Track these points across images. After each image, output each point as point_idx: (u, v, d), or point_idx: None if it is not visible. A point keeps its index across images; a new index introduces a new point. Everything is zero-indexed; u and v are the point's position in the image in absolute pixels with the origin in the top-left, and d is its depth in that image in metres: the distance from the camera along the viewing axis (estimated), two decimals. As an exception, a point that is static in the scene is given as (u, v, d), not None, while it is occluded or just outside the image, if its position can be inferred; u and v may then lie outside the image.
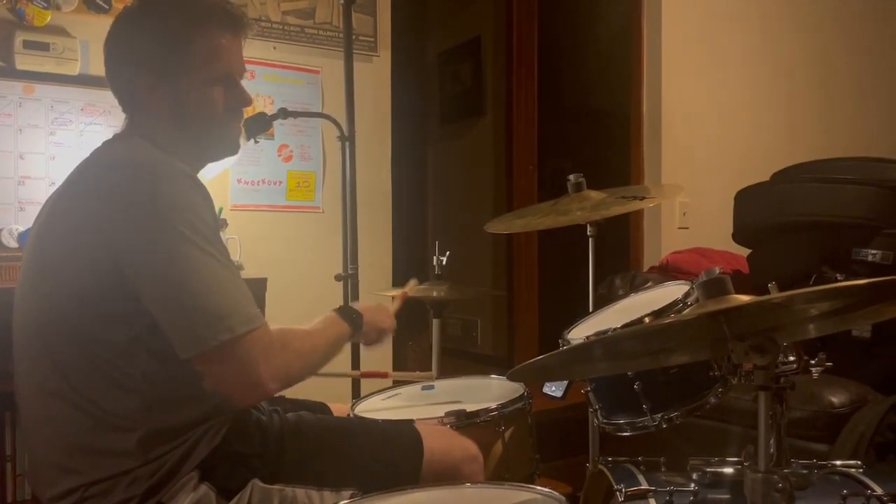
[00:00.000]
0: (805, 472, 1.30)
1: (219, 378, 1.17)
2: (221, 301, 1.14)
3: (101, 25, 2.50)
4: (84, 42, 2.49)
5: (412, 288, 2.00)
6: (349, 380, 2.37)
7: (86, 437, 1.17)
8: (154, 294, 1.14)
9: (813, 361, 1.17)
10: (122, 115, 1.37)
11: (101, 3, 2.51)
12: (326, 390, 1.76)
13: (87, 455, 1.18)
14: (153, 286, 1.14)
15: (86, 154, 1.31)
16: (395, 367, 3.06)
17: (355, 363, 2.38)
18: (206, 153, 1.39)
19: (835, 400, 2.12)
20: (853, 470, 1.33)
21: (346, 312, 1.44)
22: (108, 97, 2.45)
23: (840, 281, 2.11)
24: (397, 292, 1.98)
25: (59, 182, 1.30)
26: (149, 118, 1.31)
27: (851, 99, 4.05)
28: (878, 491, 1.25)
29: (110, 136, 1.36)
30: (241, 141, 1.42)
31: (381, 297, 2.41)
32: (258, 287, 2.53)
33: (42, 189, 2.43)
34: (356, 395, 2.34)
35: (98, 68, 2.49)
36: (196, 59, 1.29)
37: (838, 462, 1.37)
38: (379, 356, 2.66)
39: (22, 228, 2.34)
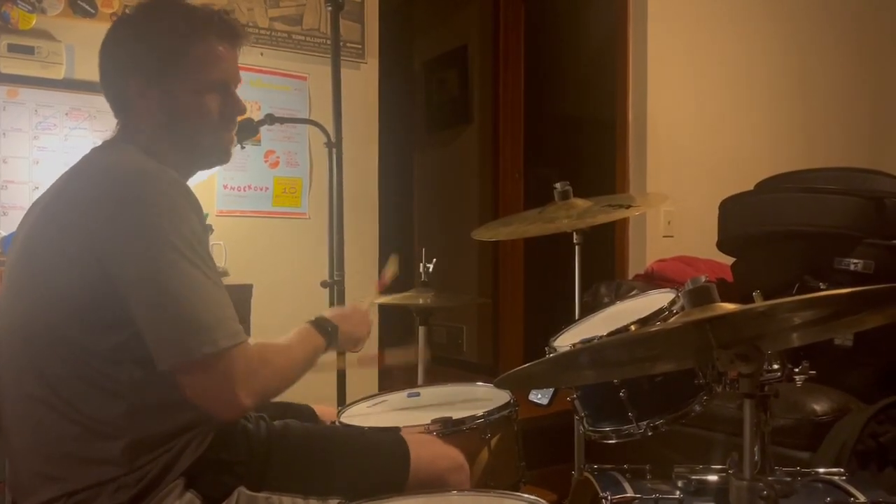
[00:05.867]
0: (789, 479, 1.31)
1: (197, 391, 1.16)
2: (206, 314, 1.13)
3: (86, 29, 2.50)
4: (69, 46, 2.48)
5: (392, 272, 1.94)
6: (334, 382, 2.36)
7: (71, 445, 1.16)
8: (138, 301, 1.13)
9: (796, 370, 1.17)
10: (109, 120, 1.36)
11: (86, 7, 2.50)
12: (311, 392, 1.75)
13: (71, 463, 1.16)
14: (138, 293, 1.13)
15: (70, 158, 1.31)
16: (381, 376, 3.05)
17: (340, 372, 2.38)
18: (198, 160, 1.39)
19: (818, 408, 2.14)
20: (836, 477, 1.34)
21: (322, 326, 1.42)
22: (93, 101, 2.48)
23: (823, 290, 2.13)
24: (383, 297, 1.98)
25: (42, 187, 1.30)
26: (141, 124, 1.31)
27: (830, 111, 4.11)
28: (861, 498, 1.26)
29: (95, 140, 1.36)
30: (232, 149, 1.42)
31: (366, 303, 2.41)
32: (244, 293, 2.52)
33: (25, 194, 2.41)
34: (341, 401, 2.33)
35: (83, 72, 2.50)
36: (191, 65, 1.30)
37: (821, 470, 1.38)
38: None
39: (4, 233, 2.32)
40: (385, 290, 2.02)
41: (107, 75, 1.33)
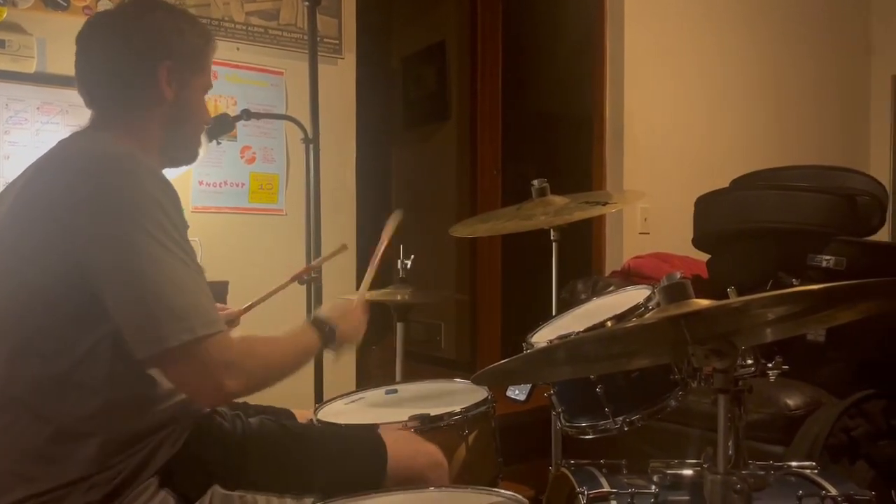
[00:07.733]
0: (762, 473, 1.32)
1: (180, 380, 1.15)
2: (183, 301, 1.11)
3: (58, 23, 2.46)
4: (41, 39, 2.43)
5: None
6: (311, 379, 2.35)
7: (43, 444, 1.14)
8: (112, 291, 1.11)
9: (770, 365, 1.19)
10: (81, 115, 1.34)
11: (59, 0, 2.46)
12: (287, 389, 1.73)
13: (44, 462, 1.14)
14: (112, 282, 1.11)
15: (41, 153, 1.27)
16: (359, 373, 3.04)
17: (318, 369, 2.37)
18: (178, 157, 1.40)
19: (790, 403, 2.17)
20: (808, 471, 1.36)
21: (321, 325, 1.40)
22: (65, 96, 2.44)
23: (796, 286, 2.16)
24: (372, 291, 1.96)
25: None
26: (140, 115, 1.31)
27: (803, 109, 4.17)
28: (833, 491, 1.28)
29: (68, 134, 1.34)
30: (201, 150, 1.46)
31: (344, 300, 2.38)
32: (219, 290, 2.50)
33: (-4, 189, 2.37)
34: (319, 398, 2.32)
35: (55, 66, 2.46)
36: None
37: (794, 463, 1.40)
38: (342, 361, 2.64)
39: (-26, 229, 2.28)
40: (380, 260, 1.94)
41: (111, 61, 1.29)
